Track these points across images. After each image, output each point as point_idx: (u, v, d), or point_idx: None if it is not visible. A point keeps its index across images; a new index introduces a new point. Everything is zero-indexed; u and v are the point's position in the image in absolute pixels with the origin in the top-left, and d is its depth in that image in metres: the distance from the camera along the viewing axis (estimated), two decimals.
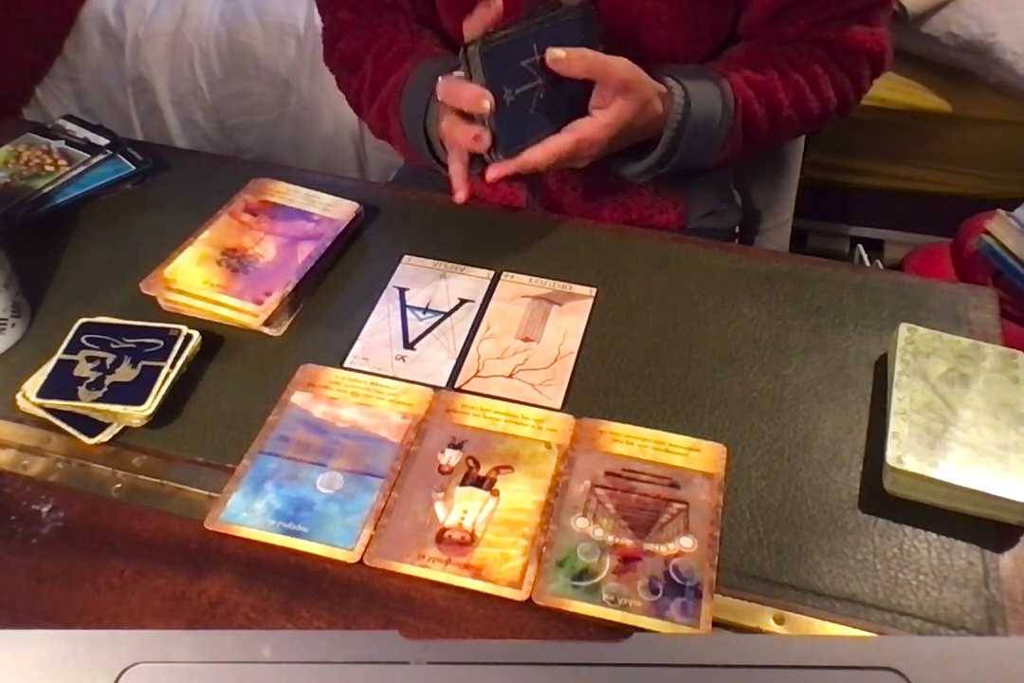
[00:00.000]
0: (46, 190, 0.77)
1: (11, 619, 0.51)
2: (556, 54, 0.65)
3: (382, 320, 0.68)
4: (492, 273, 0.72)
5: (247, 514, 0.54)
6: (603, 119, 0.67)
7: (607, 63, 0.66)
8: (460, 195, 0.70)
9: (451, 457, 0.58)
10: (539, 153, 0.66)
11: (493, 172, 0.67)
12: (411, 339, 0.66)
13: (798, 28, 0.76)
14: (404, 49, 0.78)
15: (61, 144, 0.81)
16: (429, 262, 0.73)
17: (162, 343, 0.62)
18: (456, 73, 0.66)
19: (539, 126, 0.68)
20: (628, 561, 0.52)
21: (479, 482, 0.56)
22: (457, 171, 0.70)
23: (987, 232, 1.29)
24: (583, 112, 0.68)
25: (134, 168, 0.80)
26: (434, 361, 0.65)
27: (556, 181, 0.85)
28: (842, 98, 0.79)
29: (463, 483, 0.56)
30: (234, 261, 0.69)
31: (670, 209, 0.88)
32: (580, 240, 0.76)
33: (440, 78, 0.66)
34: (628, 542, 0.53)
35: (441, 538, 0.53)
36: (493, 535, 0.54)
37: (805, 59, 0.76)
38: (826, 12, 0.74)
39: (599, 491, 0.56)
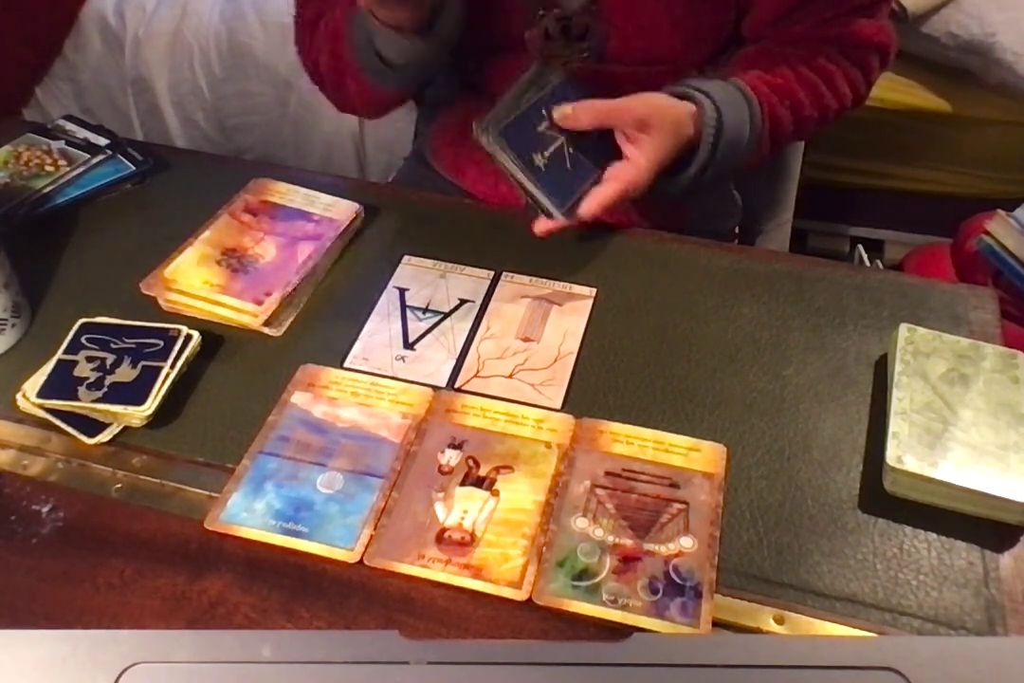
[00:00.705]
0: (46, 190, 0.77)
1: (11, 619, 0.51)
2: (564, 111, 0.65)
3: (382, 320, 0.68)
4: (492, 273, 0.72)
5: (247, 514, 0.54)
6: (642, 160, 0.67)
7: (614, 108, 0.66)
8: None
9: (451, 457, 0.58)
10: (591, 207, 0.67)
11: (543, 227, 0.67)
12: (411, 339, 0.66)
13: (804, 27, 0.76)
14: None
15: (61, 144, 0.81)
16: (429, 262, 0.73)
17: (162, 343, 0.62)
18: None
19: (582, 173, 0.69)
20: (628, 561, 0.52)
21: (479, 482, 0.56)
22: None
23: (987, 232, 1.29)
24: (618, 149, 0.68)
25: (134, 168, 0.80)
26: (434, 361, 0.65)
27: None
28: (855, 92, 0.79)
29: (463, 483, 0.56)
30: (234, 261, 0.69)
31: (669, 210, 0.87)
32: (580, 240, 0.76)
33: None
34: (628, 542, 0.53)
35: (441, 538, 0.53)
36: (493, 535, 0.54)
37: (816, 57, 0.76)
38: (831, 10, 0.74)
39: (599, 491, 0.56)
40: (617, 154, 0.69)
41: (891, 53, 0.79)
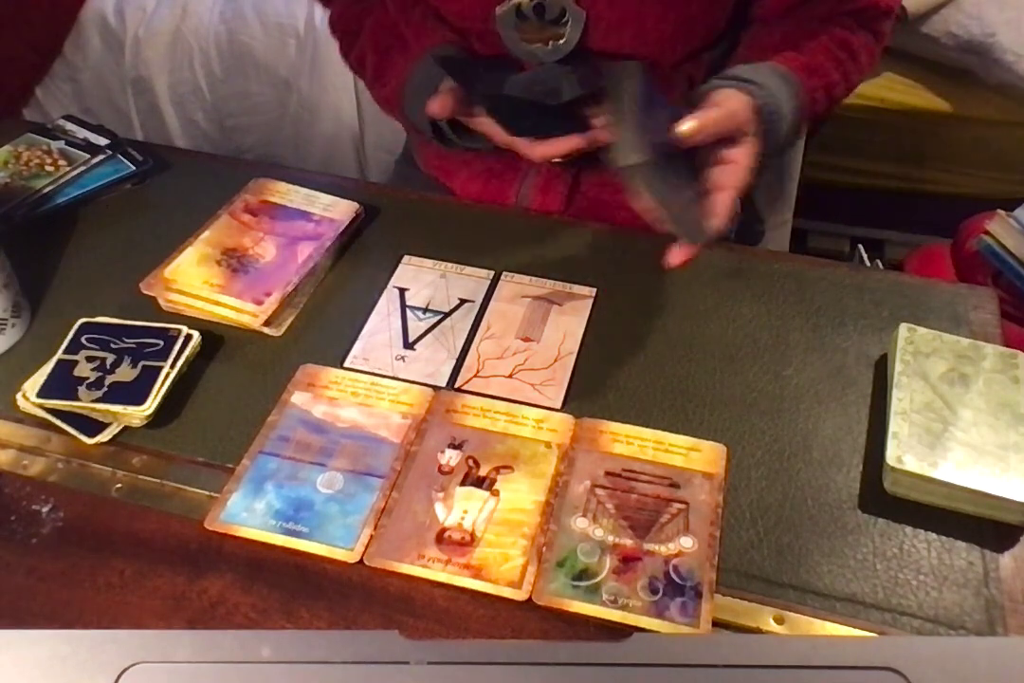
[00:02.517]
0: (46, 190, 0.77)
1: (11, 619, 0.51)
2: (690, 127, 0.60)
3: (382, 320, 0.68)
4: (492, 273, 0.72)
5: (247, 514, 0.54)
6: (745, 162, 0.64)
7: (723, 116, 0.62)
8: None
9: (451, 457, 0.58)
10: (721, 221, 0.62)
11: (678, 258, 0.63)
12: (411, 339, 0.66)
13: (830, 5, 0.74)
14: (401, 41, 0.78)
15: (61, 144, 0.81)
16: (429, 262, 0.73)
17: (162, 343, 0.62)
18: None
19: (691, 183, 0.63)
20: (628, 561, 0.52)
21: (479, 482, 0.56)
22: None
23: (987, 232, 1.29)
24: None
25: (134, 168, 0.80)
26: (434, 361, 0.65)
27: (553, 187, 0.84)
28: (872, 62, 0.78)
29: (463, 483, 0.56)
30: (234, 261, 0.69)
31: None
32: (580, 240, 0.76)
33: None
34: (628, 542, 0.53)
35: (441, 538, 0.53)
36: (493, 535, 0.54)
37: (839, 32, 0.75)
38: None
39: (599, 491, 0.56)
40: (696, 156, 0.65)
41: (895, 9, 0.78)
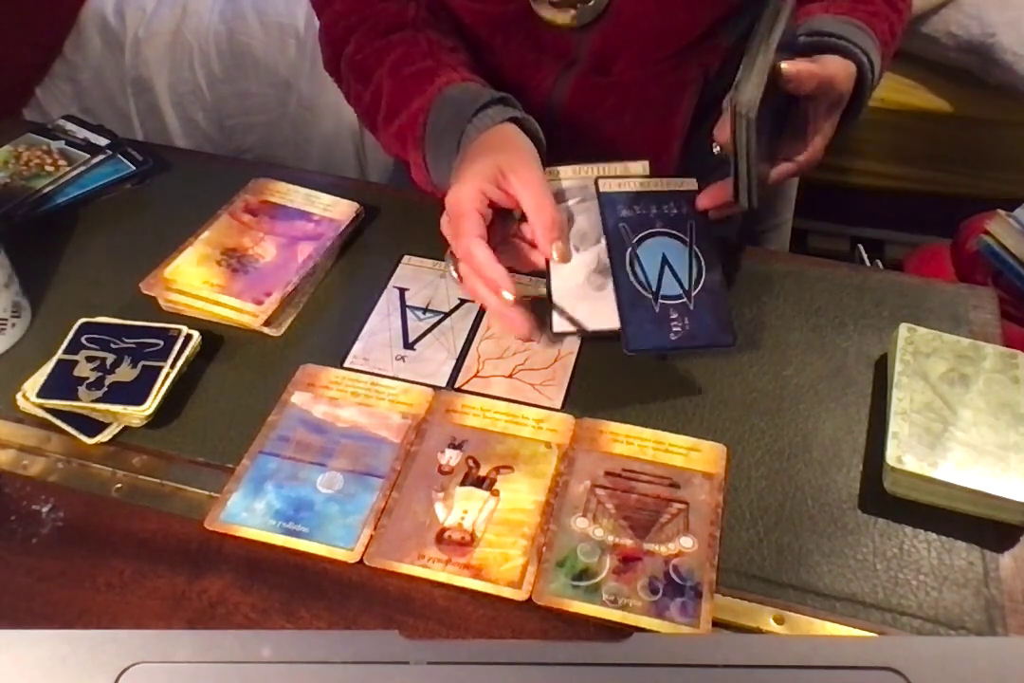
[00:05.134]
0: (46, 190, 0.77)
1: (11, 619, 0.51)
2: (789, 72, 0.60)
3: (382, 320, 0.68)
4: None
5: (247, 514, 0.54)
6: (820, 144, 0.64)
7: (827, 78, 0.62)
8: (523, 331, 0.59)
9: (451, 457, 0.58)
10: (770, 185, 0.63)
11: (710, 202, 0.64)
12: (411, 339, 0.66)
13: None
14: (426, 67, 0.70)
15: (61, 144, 0.81)
16: (429, 262, 0.73)
17: (162, 343, 0.62)
18: None
19: (767, 154, 0.63)
20: (628, 561, 0.52)
21: (479, 482, 0.56)
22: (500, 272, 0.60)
23: (987, 232, 1.29)
24: (786, 125, 0.65)
25: (134, 168, 0.80)
26: (434, 361, 0.65)
27: None
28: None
29: (463, 483, 0.56)
30: (234, 261, 0.69)
31: None
32: None
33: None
34: (628, 542, 0.53)
35: (441, 538, 0.53)
36: (493, 535, 0.54)
37: None
38: None
39: (599, 491, 0.56)
40: (783, 129, 0.65)
41: None
